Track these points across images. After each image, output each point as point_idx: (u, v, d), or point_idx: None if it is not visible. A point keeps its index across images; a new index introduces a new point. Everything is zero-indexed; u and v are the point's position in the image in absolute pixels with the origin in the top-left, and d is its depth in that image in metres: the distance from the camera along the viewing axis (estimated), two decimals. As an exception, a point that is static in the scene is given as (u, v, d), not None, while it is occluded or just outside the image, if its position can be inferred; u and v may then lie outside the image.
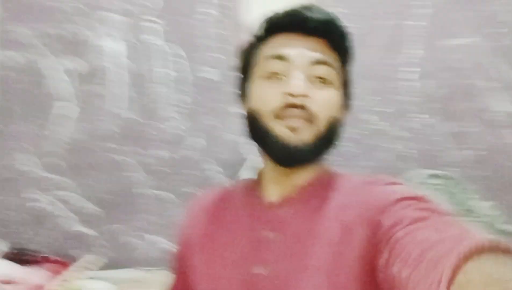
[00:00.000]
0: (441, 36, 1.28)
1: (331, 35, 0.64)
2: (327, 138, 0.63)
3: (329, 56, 0.64)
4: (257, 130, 0.64)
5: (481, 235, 0.40)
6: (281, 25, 0.65)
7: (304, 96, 0.60)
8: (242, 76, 0.72)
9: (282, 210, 0.64)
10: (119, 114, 1.26)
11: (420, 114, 1.27)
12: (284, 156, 0.62)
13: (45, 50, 1.25)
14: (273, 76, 0.63)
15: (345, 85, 0.68)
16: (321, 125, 0.61)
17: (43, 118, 1.25)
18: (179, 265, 0.76)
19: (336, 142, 0.66)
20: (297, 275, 0.58)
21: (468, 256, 0.36)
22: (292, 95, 0.60)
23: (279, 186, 0.67)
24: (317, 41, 0.64)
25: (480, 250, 0.36)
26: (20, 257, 1.12)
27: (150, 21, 1.27)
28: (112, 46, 1.26)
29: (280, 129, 0.61)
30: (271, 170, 0.67)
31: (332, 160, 1.21)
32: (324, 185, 0.66)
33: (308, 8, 0.63)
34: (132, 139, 1.26)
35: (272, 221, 0.64)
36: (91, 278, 1.14)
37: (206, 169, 1.25)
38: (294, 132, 0.60)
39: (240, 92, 0.72)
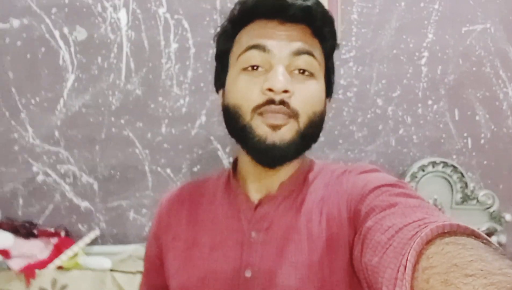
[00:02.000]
0: (453, 20, 1.25)
1: (312, 21, 0.60)
2: (308, 134, 0.61)
3: (311, 44, 0.61)
4: (236, 128, 0.61)
5: (443, 219, 0.41)
6: (258, 10, 0.61)
7: (285, 92, 0.57)
8: (219, 63, 0.68)
9: (263, 209, 0.63)
10: (120, 86, 1.22)
11: (425, 100, 1.25)
12: (265, 157, 0.60)
13: (46, 18, 1.20)
14: (253, 68, 0.60)
15: (327, 72, 0.65)
16: (302, 122, 0.59)
17: (42, 88, 1.21)
18: (152, 257, 0.74)
19: (318, 136, 0.64)
20: (283, 273, 0.58)
21: (430, 240, 0.37)
22: (273, 91, 0.57)
23: (260, 183, 0.65)
24: (298, 28, 0.60)
25: (441, 234, 0.38)
26: (16, 228, 1.10)
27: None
28: (114, 16, 1.21)
29: (261, 128, 0.58)
30: (251, 167, 0.65)
31: (337, 143, 1.22)
32: (304, 179, 0.66)
33: None
34: (133, 112, 1.22)
35: (256, 221, 0.63)
36: (88, 253, 1.13)
37: (206, 147, 1.23)
38: (275, 130, 0.58)
39: (216, 80, 0.69)
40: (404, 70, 1.25)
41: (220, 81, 0.68)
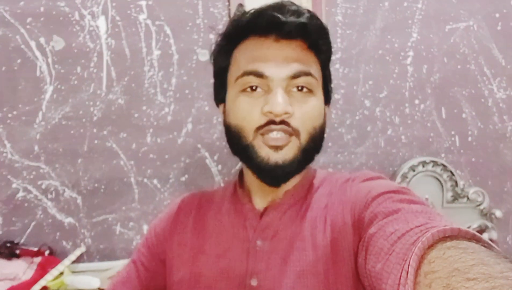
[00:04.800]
0: (436, 19, 1.25)
1: (308, 36, 0.61)
2: (310, 149, 0.62)
3: (307, 61, 0.61)
4: (239, 148, 0.62)
5: (445, 223, 0.41)
6: (253, 27, 0.61)
7: (285, 113, 0.58)
8: (217, 79, 0.69)
9: (269, 217, 0.64)
10: (101, 96, 1.18)
11: (412, 99, 1.25)
12: (269, 177, 0.61)
13: (21, 28, 1.15)
14: (251, 88, 0.60)
15: (324, 81, 0.66)
16: (303, 138, 0.60)
17: (19, 101, 1.16)
18: (149, 252, 0.73)
19: (321, 147, 0.65)
20: (289, 282, 0.58)
21: (432, 245, 0.38)
22: (273, 114, 0.58)
23: (265, 193, 0.66)
24: (293, 45, 0.61)
25: (442, 238, 0.38)
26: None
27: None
28: (92, 24, 1.17)
29: (263, 149, 0.59)
30: (255, 181, 0.65)
31: (327, 146, 1.21)
32: (309, 187, 0.67)
33: (281, 8, 0.59)
34: (116, 123, 1.18)
35: (262, 229, 0.63)
36: (74, 271, 1.08)
37: (194, 155, 1.20)
38: (277, 150, 0.59)
39: (216, 96, 0.70)
40: (390, 70, 1.25)
41: (219, 97, 0.68)
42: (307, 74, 0.60)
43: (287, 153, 0.59)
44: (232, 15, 0.65)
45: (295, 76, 0.60)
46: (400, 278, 0.38)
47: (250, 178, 0.67)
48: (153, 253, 0.73)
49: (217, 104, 0.70)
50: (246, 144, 0.60)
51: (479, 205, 1.23)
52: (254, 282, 0.59)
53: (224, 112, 0.67)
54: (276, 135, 0.58)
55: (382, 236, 0.46)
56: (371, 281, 0.47)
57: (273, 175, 0.60)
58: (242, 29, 0.62)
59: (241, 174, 0.72)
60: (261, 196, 0.66)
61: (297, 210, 0.64)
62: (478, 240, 0.38)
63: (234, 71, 0.63)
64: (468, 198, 1.23)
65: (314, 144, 0.62)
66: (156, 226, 0.75)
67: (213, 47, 0.69)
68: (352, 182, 0.64)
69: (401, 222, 0.46)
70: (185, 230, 0.70)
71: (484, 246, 0.36)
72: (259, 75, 0.59)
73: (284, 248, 0.60)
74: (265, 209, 0.65)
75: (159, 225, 0.74)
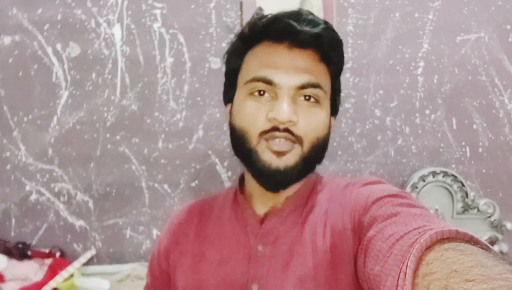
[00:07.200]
0: (447, 30, 1.25)
1: (321, 47, 0.61)
2: (312, 158, 0.62)
3: (317, 73, 0.61)
4: (242, 151, 0.63)
5: (443, 225, 0.42)
6: (268, 32, 0.62)
7: (289, 122, 0.58)
8: (227, 79, 0.70)
9: (270, 223, 0.64)
10: (115, 102, 1.20)
11: (422, 110, 1.25)
12: (269, 182, 0.62)
13: (39, 35, 1.18)
14: (259, 92, 0.61)
15: (333, 93, 0.66)
16: (305, 147, 0.61)
17: (35, 105, 1.18)
18: (159, 274, 0.74)
19: (323, 158, 0.65)
20: (289, 287, 0.58)
21: (430, 246, 0.38)
22: (277, 121, 0.58)
23: (266, 199, 0.66)
24: (306, 55, 0.61)
25: (440, 240, 0.38)
26: (9, 249, 1.07)
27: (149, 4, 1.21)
28: (108, 31, 1.20)
29: (266, 154, 0.60)
30: (256, 186, 0.65)
31: (336, 155, 1.21)
32: (310, 193, 0.67)
33: (298, 16, 0.59)
34: (129, 128, 1.20)
35: (263, 235, 0.63)
36: (84, 274, 1.10)
37: (204, 161, 1.21)
38: (280, 156, 0.59)
39: (225, 95, 0.71)
40: (401, 80, 1.25)
41: (228, 96, 0.69)
42: (316, 86, 0.60)
43: (289, 160, 0.59)
44: (246, 22, 0.66)
45: (304, 87, 0.60)
46: (398, 280, 0.38)
47: (251, 183, 0.67)
48: (165, 271, 0.73)
49: (225, 103, 0.71)
50: (250, 147, 0.61)
51: (489, 216, 1.22)
52: (255, 288, 0.60)
53: (230, 112, 0.67)
54: (279, 141, 0.59)
55: (380, 239, 0.47)
56: (370, 283, 0.47)
57: (273, 181, 0.61)
58: (257, 32, 0.63)
59: (241, 179, 0.72)
60: (262, 201, 0.66)
61: (298, 215, 0.64)
62: (476, 242, 0.38)
63: (244, 74, 0.64)
64: (478, 210, 1.22)
65: (316, 154, 0.62)
66: (160, 244, 0.75)
67: (227, 49, 0.70)
68: (352, 186, 0.64)
69: (399, 224, 0.46)
70: (187, 238, 0.70)
71: (482, 248, 0.36)
72: (268, 82, 0.60)
73: (285, 254, 0.60)
74: (266, 214, 0.65)
75: (164, 241, 0.74)
